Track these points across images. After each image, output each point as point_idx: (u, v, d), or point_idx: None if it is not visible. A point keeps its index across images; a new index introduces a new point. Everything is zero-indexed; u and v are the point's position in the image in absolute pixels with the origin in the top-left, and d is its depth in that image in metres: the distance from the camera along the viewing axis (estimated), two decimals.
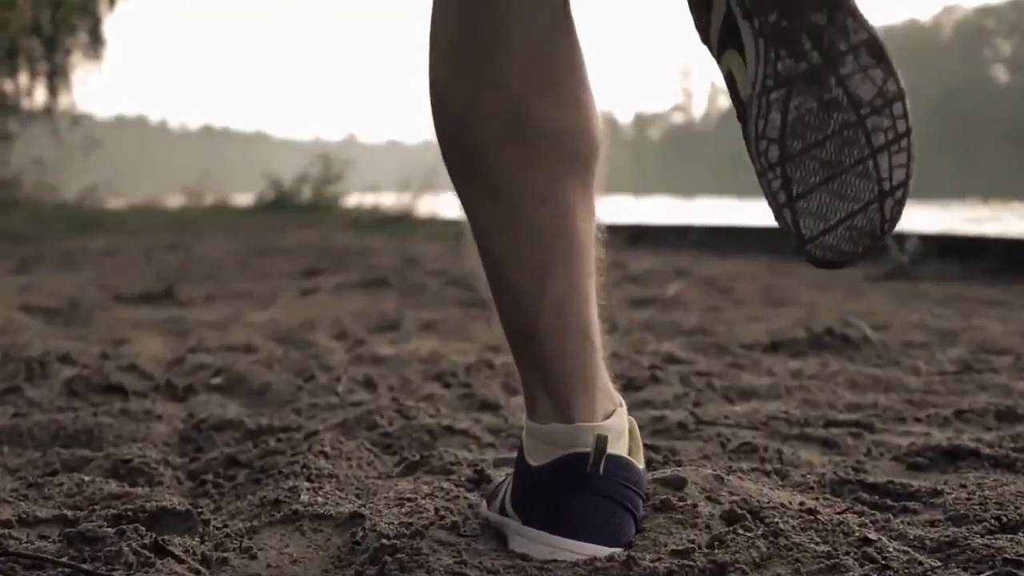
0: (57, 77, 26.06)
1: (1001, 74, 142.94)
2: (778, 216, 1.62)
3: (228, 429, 2.52)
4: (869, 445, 2.41)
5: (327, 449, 2.20)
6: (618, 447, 1.71)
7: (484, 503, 1.88)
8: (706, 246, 10.62)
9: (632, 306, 5.94)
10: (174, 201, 22.59)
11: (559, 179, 1.72)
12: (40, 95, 25.97)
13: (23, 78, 25.96)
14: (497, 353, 3.53)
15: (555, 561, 1.63)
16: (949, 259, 8.12)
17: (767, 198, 1.62)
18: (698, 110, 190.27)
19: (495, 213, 1.73)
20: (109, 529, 1.69)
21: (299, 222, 15.89)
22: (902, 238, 8.59)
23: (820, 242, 1.60)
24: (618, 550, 1.64)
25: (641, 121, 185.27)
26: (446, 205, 17.87)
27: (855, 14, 1.57)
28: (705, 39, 1.67)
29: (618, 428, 1.72)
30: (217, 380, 3.13)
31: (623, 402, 1.79)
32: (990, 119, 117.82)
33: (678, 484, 1.86)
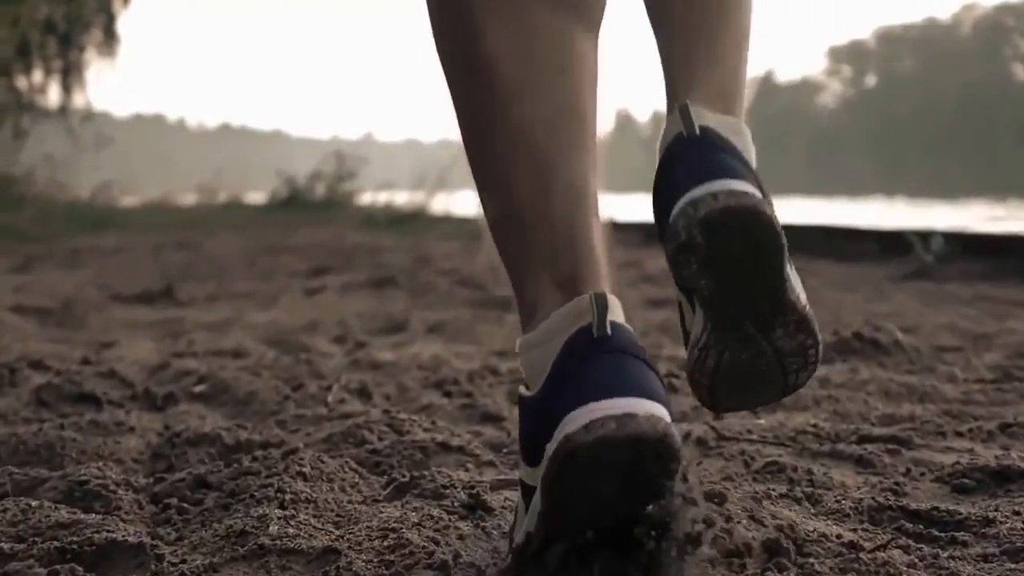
0: (71, 74, 25.95)
1: (1020, 72, 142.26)
2: (697, 396, 1.77)
3: (204, 444, 2.29)
4: (908, 464, 2.17)
5: (307, 469, 1.98)
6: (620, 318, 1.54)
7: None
8: None
9: (648, 307, 5.72)
10: (188, 199, 22.44)
11: (580, 37, 1.66)
12: (55, 93, 25.90)
13: (37, 75, 25.90)
14: (503, 359, 3.31)
15: None
16: (974, 258, 7.87)
17: (691, 387, 1.76)
18: None
19: (518, 70, 1.61)
20: (41, 570, 1.47)
21: (312, 220, 15.70)
22: (925, 236, 8.36)
23: (725, 406, 1.80)
24: (659, 407, 1.39)
25: (659, 119, 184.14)
26: (460, 203, 17.71)
27: (795, 301, 1.68)
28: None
29: (619, 310, 1.55)
30: (200, 388, 2.90)
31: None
32: (1009, 117, 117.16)
33: (719, 498, 1.73)
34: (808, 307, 1.72)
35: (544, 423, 1.44)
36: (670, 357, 3.38)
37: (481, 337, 4.45)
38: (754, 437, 2.31)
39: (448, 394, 2.83)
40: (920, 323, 4.67)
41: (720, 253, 1.60)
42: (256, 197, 21.52)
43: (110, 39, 26.85)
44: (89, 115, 26.38)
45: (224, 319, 5.25)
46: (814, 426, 2.39)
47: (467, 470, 2.10)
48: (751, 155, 1.75)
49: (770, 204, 1.67)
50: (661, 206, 1.68)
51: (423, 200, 16.62)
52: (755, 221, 1.61)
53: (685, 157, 1.68)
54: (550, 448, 1.40)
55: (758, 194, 1.63)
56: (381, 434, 2.25)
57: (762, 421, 2.46)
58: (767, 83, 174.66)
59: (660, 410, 1.40)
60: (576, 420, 1.38)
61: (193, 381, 2.98)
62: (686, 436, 2.27)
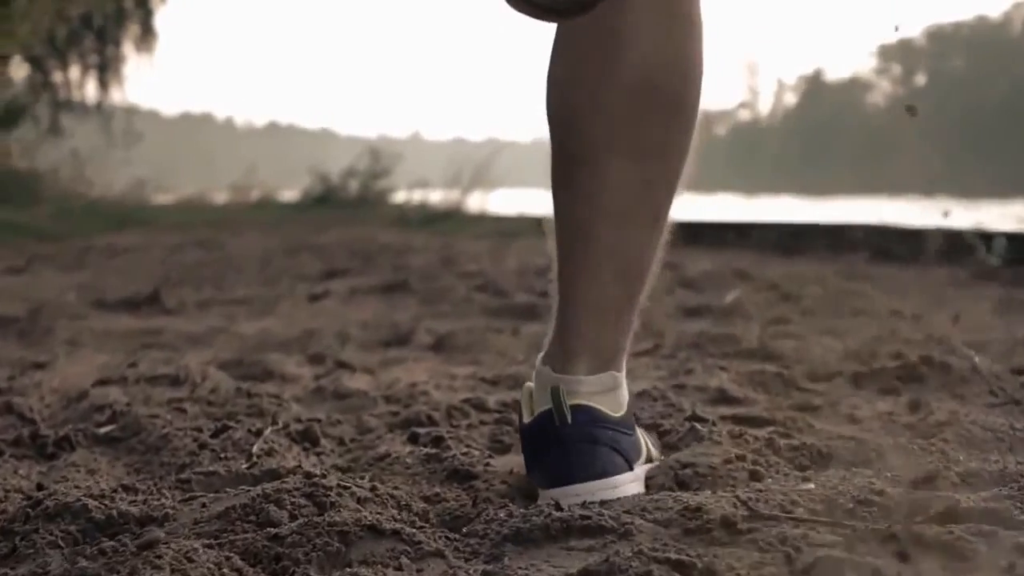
0: (108, 71, 25.61)
1: None
2: None
3: (65, 519, 1.70)
4: (1011, 554, 1.58)
5: (166, 567, 1.40)
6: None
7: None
8: (769, 246, 9.78)
9: (684, 316, 5.13)
10: (221, 197, 22.03)
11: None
12: (91, 89, 25.54)
13: (74, 71, 25.53)
14: (495, 388, 2.73)
15: None
16: None
17: None
18: (764, 107, 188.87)
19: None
20: None
21: (344, 218, 15.18)
22: (988, 237, 7.76)
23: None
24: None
25: (706, 118, 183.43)
26: (497, 201, 17.16)
27: None
28: None
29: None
30: (108, 429, 2.32)
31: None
32: None
33: None
34: None
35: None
36: (699, 387, 2.78)
37: (488, 352, 3.89)
38: (800, 513, 1.71)
39: (415, 438, 2.24)
40: (991, 337, 4.07)
41: None
42: (291, 195, 21.06)
43: (147, 35, 26.52)
44: (128, 111, 26.08)
45: (208, 329, 4.71)
46: (880, 493, 1.79)
47: (400, 569, 1.52)
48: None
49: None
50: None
51: (459, 198, 16.08)
52: None
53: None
54: None
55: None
56: (295, 509, 1.66)
57: (811, 485, 1.86)
58: (815, 82, 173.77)
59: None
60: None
61: (106, 418, 2.40)
62: (707, 515, 1.67)
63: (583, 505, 1.74)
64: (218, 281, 6.82)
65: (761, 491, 1.77)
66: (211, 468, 1.98)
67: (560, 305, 1.93)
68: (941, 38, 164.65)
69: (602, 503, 1.77)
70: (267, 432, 2.14)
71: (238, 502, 1.69)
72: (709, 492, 1.78)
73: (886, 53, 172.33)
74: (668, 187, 1.93)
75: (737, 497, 1.70)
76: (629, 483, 1.87)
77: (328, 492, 1.69)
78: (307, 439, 2.19)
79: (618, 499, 1.78)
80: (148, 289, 5.72)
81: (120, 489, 1.89)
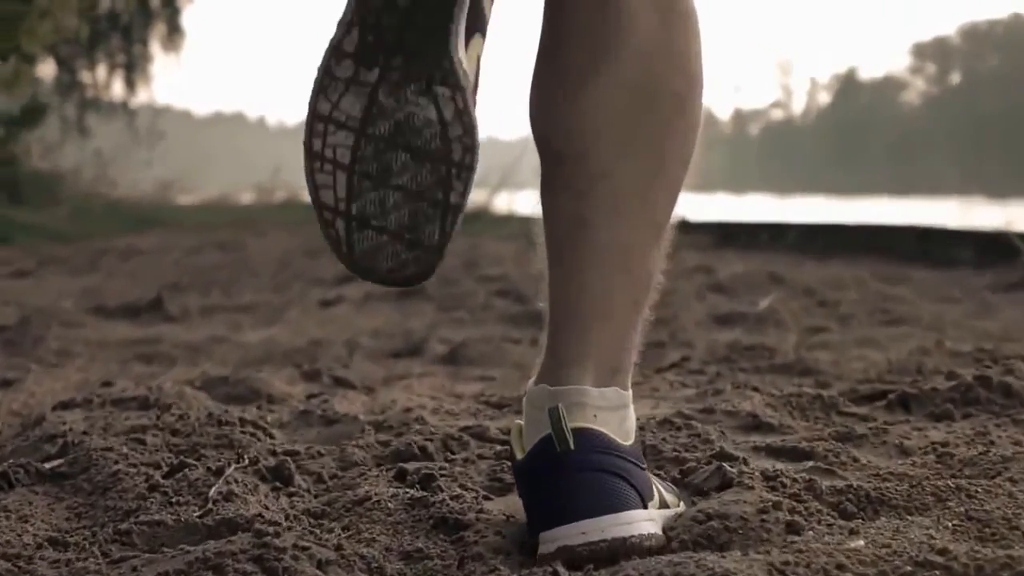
0: (135, 70, 25.46)
1: None
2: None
3: None
4: None
5: None
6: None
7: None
8: (804, 247, 9.47)
9: (715, 324, 4.85)
10: (247, 198, 21.81)
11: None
12: (118, 88, 25.37)
13: (101, 70, 25.36)
14: (500, 414, 2.44)
15: None
16: None
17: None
18: (797, 106, 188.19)
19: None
20: None
21: None
22: None
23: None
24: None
25: (740, 117, 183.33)
26: (525, 202, 16.85)
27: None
28: None
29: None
30: (55, 464, 2.03)
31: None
32: None
33: None
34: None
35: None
36: (728, 412, 2.47)
37: (502, 365, 3.62)
38: None
39: (402, 476, 1.95)
40: None
41: None
42: None
43: (175, 33, 26.36)
44: (155, 110, 25.91)
45: (208, 338, 4.45)
46: (943, 552, 1.50)
47: None
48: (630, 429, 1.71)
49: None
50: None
51: (486, 199, 15.77)
52: None
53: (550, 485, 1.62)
54: None
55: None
56: None
57: (860, 542, 1.56)
58: (849, 81, 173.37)
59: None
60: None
61: (56, 450, 2.12)
62: None
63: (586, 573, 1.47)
64: (229, 285, 6.56)
65: (801, 552, 1.47)
66: (158, 516, 1.69)
67: (553, 314, 1.72)
68: (975, 36, 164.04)
69: (611, 569, 1.48)
70: (231, 470, 1.85)
71: (172, 567, 1.41)
72: (739, 553, 1.49)
73: (920, 51, 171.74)
74: (668, 189, 1.74)
75: (772, 565, 1.41)
76: (643, 521, 1.60)
77: (281, 556, 1.40)
78: (278, 477, 1.90)
79: (631, 563, 1.49)
80: (153, 295, 5.45)
81: (47, 544, 1.60)
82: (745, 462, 1.92)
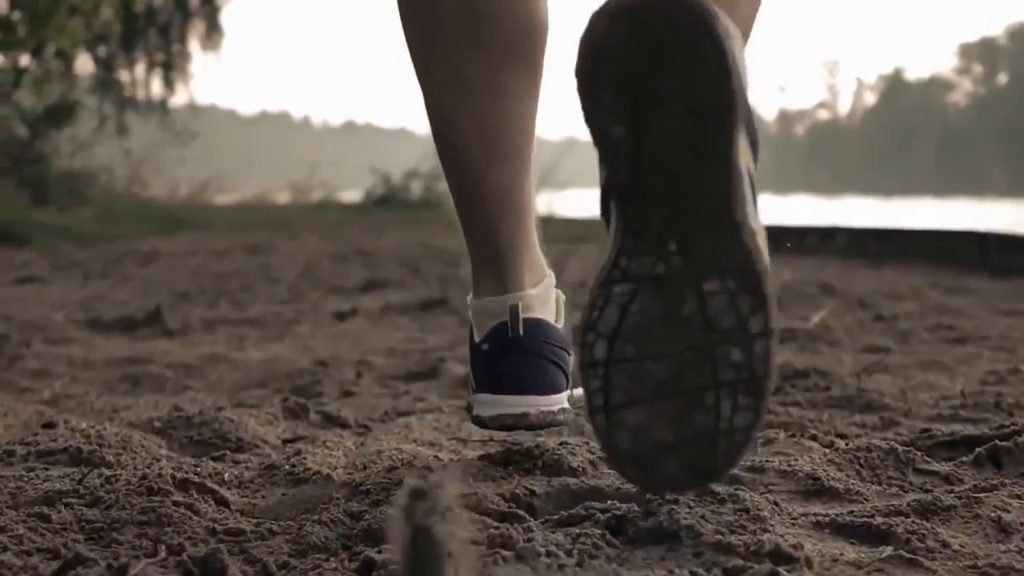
0: (174, 68, 25.25)
1: None
2: (590, 418, 1.49)
3: None
4: None
5: None
6: (544, 312, 1.93)
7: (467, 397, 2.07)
8: (854, 253, 9.01)
9: None
10: (284, 198, 21.53)
11: (510, 70, 1.84)
12: (157, 87, 25.15)
13: (139, 69, 25.14)
14: (507, 471, 2.00)
15: None
16: None
17: (584, 392, 1.49)
18: (844, 107, 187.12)
19: (452, 99, 1.86)
20: None
21: (405, 220, 14.53)
22: None
23: (635, 462, 1.48)
24: (555, 397, 1.94)
25: (785, 118, 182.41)
26: (566, 202, 16.43)
27: (741, 225, 1.40)
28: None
29: (542, 296, 1.94)
30: None
31: (551, 272, 2.03)
32: None
33: None
34: (762, 253, 1.42)
35: (479, 369, 1.96)
36: (782, 471, 2.03)
37: None
38: None
39: (368, 569, 1.51)
40: None
41: (644, 65, 1.37)
42: (353, 196, 20.48)
43: (213, 32, 26.16)
44: (193, 109, 25.71)
45: (204, 357, 4.05)
46: None
47: None
48: None
49: None
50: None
51: None
52: (701, 23, 1.35)
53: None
54: None
55: None
56: None
57: None
58: (895, 81, 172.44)
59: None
60: (488, 411, 1.94)
61: None
62: None
63: None
64: (242, 294, 6.15)
65: None
66: None
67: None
68: (1023, 37, 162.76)
69: None
70: (139, 567, 1.42)
71: None
72: None
73: (967, 52, 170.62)
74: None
75: None
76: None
77: None
78: (208, 571, 1.48)
79: None
80: (159, 305, 5.05)
81: None
82: (807, 563, 1.47)
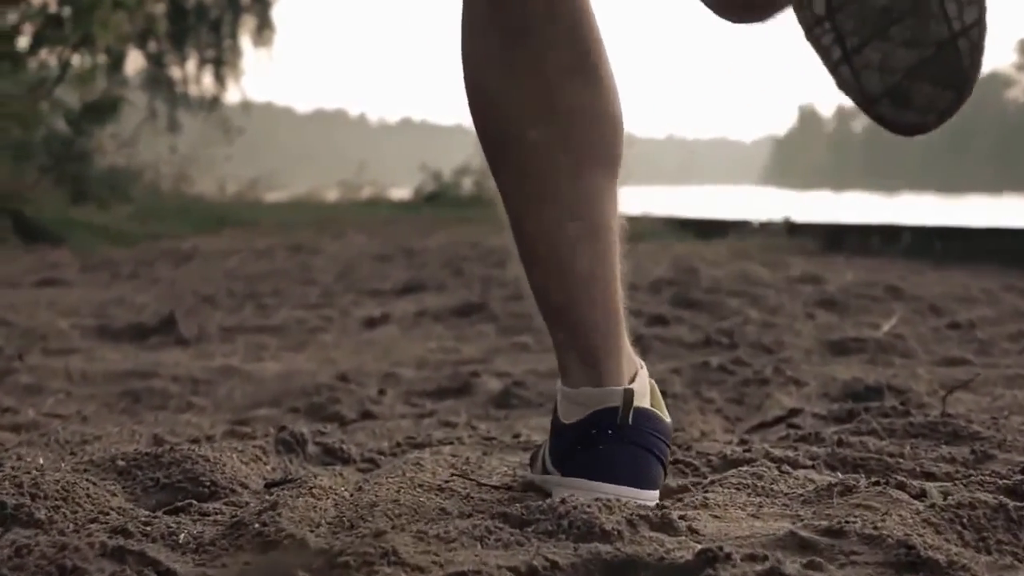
0: (224, 64, 25.04)
1: None
2: (834, 74, 1.49)
3: None
4: None
5: None
6: (642, 402, 1.84)
7: (528, 469, 2.05)
8: (920, 253, 8.58)
9: (828, 352, 4.02)
10: (333, 195, 21.23)
11: (588, 162, 1.80)
12: (208, 83, 24.95)
13: (191, 65, 24.92)
14: (522, 534, 1.60)
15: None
16: None
17: (820, 56, 1.49)
18: None
19: (527, 192, 1.81)
20: None
21: (454, 219, 14.16)
22: None
23: (891, 98, 1.47)
24: (653, 493, 1.81)
25: (843, 114, 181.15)
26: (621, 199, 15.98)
27: None
28: None
29: (641, 388, 1.85)
30: None
31: (643, 364, 1.90)
32: None
33: None
34: None
35: (567, 446, 1.86)
36: (865, 536, 1.62)
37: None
38: None
39: None
40: None
41: None
42: (404, 193, 20.14)
43: (265, 28, 25.94)
44: (245, 106, 25.53)
45: (215, 369, 3.72)
46: None
47: None
48: None
49: None
50: None
51: None
52: None
53: None
54: None
55: None
56: None
57: None
58: None
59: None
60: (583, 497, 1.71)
61: None
62: None
63: None
64: (272, 297, 5.80)
65: None
66: None
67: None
68: None
69: None
70: None
71: None
72: None
73: None
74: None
75: None
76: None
77: None
78: None
79: None
80: (173, 311, 4.69)
81: None
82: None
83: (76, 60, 14.60)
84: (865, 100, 1.50)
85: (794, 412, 2.87)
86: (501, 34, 1.79)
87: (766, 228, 10.55)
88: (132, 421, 2.97)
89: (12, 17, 13.97)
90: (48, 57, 14.40)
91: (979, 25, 1.47)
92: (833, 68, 1.49)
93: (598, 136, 1.81)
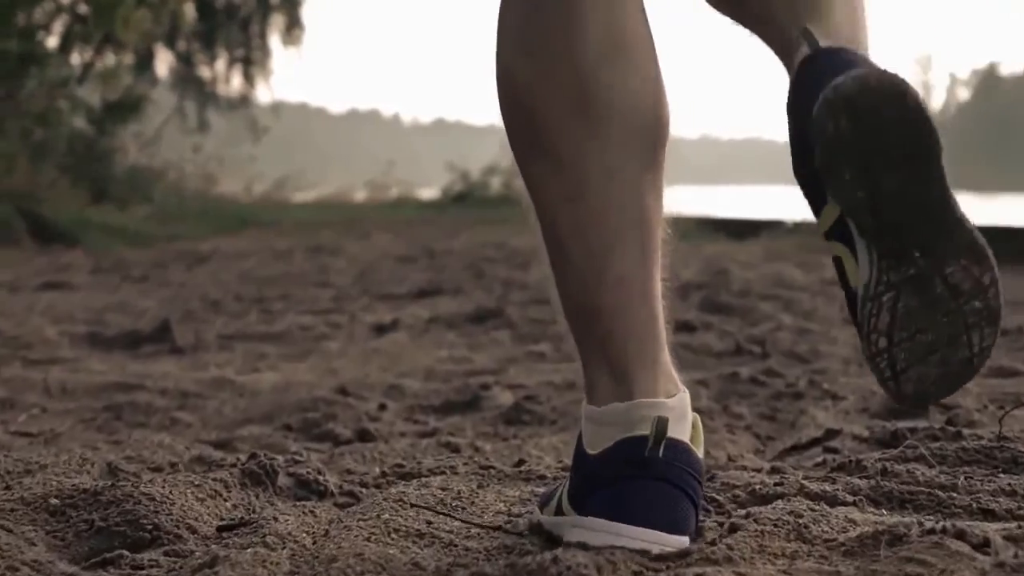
0: (253, 64, 24.88)
1: None
2: (883, 384, 1.66)
3: None
4: None
5: None
6: (678, 431, 1.67)
7: (537, 510, 1.84)
8: None
9: (858, 366, 3.73)
10: (361, 195, 21.05)
11: (625, 154, 1.70)
12: (237, 83, 24.79)
13: (220, 64, 24.76)
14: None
15: None
16: None
17: (873, 371, 1.65)
18: (936, 102, 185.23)
19: (560, 187, 1.70)
20: None
21: (481, 219, 13.92)
22: None
23: (916, 397, 1.66)
24: (682, 539, 1.61)
25: None
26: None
27: (961, 220, 1.60)
28: (813, 210, 1.69)
29: (680, 410, 1.69)
30: None
31: (686, 389, 1.74)
32: None
33: None
34: (977, 230, 1.62)
35: (587, 482, 1.68)
36: (914, 562, 1.33)
37: (572, 429, 2.53)
38: None
39: None
40: None
41: (870, 144, 1.58)
42: (431, 193, 19.93)
43: (294, 27, 25.75)
44: (275, 107, 25.37)
45: (210, 380, 3.48)
46: None
47: None
48: None
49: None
50: (798, 124, 1.63)
51: None
52: (902, 98, 1.57)
53: (819, 64, 1.62)
54: None
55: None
56: None
57: None
58: (990, 76, 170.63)
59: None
60: (600, 540, 1.57)
61: None
62: None
63: None
64: (280, 302, 5.55)
65: None
66: None
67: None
68: None
69: None
70: None
71: None
72: None
73: None
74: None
75: None
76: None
77: None
78: None
79: None
80: (177, 316, 4.44)
81: None
82: None
83: (93, 57, 14.41)
84: (900, 398, 1.67)
85: (831, 433, 2.60)
86: (533, 15, 1.69)
87: (800, 228, 10.26)
88: (107, 440, 2.73)
89: (39, 16, 13.81)
90: (74, 55, 14.23)
91: (991, 347, 1.66)
92: (882, 381, 1.65)
93: (638, 126, 1.69)
